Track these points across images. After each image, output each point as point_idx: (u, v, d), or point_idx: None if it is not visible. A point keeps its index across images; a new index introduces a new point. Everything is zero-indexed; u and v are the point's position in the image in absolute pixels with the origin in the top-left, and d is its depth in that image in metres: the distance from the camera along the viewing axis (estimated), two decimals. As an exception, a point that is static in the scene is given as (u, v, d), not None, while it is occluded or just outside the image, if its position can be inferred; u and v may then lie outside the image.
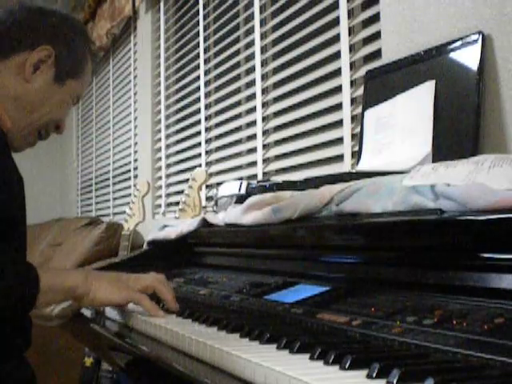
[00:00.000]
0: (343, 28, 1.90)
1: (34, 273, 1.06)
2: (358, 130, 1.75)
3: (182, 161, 3.25)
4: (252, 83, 2.51)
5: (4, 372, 1.13)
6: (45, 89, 1.27)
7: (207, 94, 2.96)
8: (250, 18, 2.54)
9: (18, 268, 1.05)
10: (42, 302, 1.08)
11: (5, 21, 1.27)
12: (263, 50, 2.44)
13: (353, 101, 1.87)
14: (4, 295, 1.01)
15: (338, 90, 1.96)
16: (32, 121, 1.27)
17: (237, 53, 2.70)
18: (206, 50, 2.99)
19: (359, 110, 1.72)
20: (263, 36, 2.44)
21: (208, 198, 2.73)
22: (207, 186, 2.79)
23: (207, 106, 2.96)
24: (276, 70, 2.37)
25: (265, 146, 2.40)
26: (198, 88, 3.03)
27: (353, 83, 1.88)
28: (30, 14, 1.29)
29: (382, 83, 1.54)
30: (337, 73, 1.96)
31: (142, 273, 1.26)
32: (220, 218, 1.48)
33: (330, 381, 0.64)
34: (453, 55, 1.34)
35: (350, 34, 1.89)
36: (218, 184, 2.42)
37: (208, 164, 2.90)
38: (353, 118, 1.87)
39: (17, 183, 1.17)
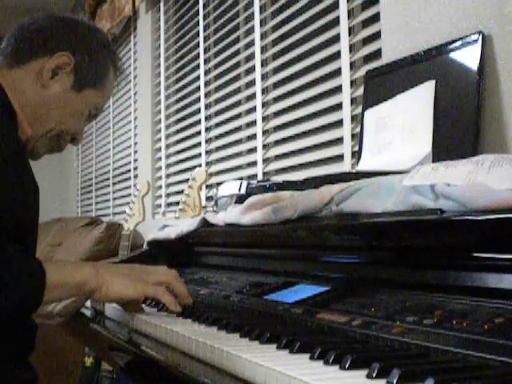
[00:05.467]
0: (343, 28, 1.90)
1: (40, 267, 1.03)
2: (358, 130, 1.75)
3: (181, 161, 3.25)
4: (252, 83, 2.51)
5: (7, 374, 1.12)
6: (62, 95, 1.26)
7: (207, 94, 2.96)
8: (250, 18, 2.54)
9: (24, 263, 1.03)
10: (50, 298, 1.05)
11: (27, 27, 1.28)
12: (263, 49, 2.44)
13: (353, 101, 1.87)
14: (9, 290, 0.99)
15: (338, 90, 1.96)
16: (45, 130, 1.26)
17: (237, 53, 2.70)
18: (206, 50, 2.99)
19: (359, 110, 1.72)
20: (263, 36, 2.44)
21: (208, 198, 2.73)
22: (207, 186, 2.79)
23: (207, 106, 2.96)
24: (276, 70, 2.37)
25: (265, 146, 2.40)
26: (198, 88, 3.03)
27: (353, 83, 1.88)
28: (52, 22, 1.30)
29: (382, 83, 1.54)
30: (337, 73, 1.96)
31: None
32: (220, 218, 1.48)
33: (330, 381, 0.64)
34: (453, 55, 1.34)
35: (350, 34, 1.89)
36: (218, 184, 2.42)
37: (208, 164, 2.90)
38: (353, 118, 1.87)
39: (33, 193, 1.17)
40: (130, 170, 4.02)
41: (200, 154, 2.98)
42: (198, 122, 3.03)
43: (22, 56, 1.26)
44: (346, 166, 1.85)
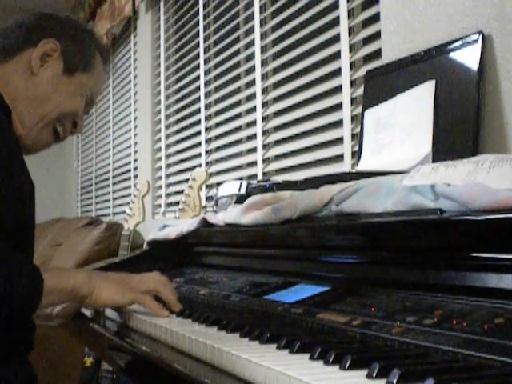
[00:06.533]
0: (343, 28, 1.90)
1: (39, 273, 1.05)
2: (358, 130, 1.75)
3: (182, 161, 3.25)
4: (252, 83, 2.51)
5: (6, 373, 1.13)
6: (53, 80, 1.27)
7: (207, 94, 2.96)
8: (250, 18, 2.54)
9: (23, 268, 1.04)
10: (45, 304, 1.07)
11: (11, 25, 1.31)
12: (263, 49, 2.44)
13: (353, 101, 1.87)
14: (8, 294, 1.00)
15: (338, 90, 1.96)
16: (43, 114, 1.26)
17: (237, 53, 2.70)
18: (206, 50, 2.99)
19: (359, 109, 1.72)
20: (263, 36, 2.44)
21: (208, 198, 2.73)
22: (207, 186, 2.79)
23: (207, 106, 2.96)
24: (276, 70, 2.37)
25: (265, 146, 2.40)
26: (198, 88, 3.03)
27: (353, 83, 1.88)
28: (36, 17, 1.33)
29: (382, 83, 1.54)
30: (337, 73, 1.96)
31: (144, 272, 1.27)
32: (220, 218, 1.48)
33: (330, 381, 0.64)
34: (453, 55, 1.34)
35: (350, 34, 1.89)
36: (218, 184, 2.42)
37: (208, 164, 2.90)
38: (353, 118, 1.87)
39: (28, 190, 1.18)
40: (130, 170, 4.02)
41: (200, 154, 2.97)
42: (198, 122, 3.03)
43: (9, 51, 1.27)
44: (346, 166, 1.85)
